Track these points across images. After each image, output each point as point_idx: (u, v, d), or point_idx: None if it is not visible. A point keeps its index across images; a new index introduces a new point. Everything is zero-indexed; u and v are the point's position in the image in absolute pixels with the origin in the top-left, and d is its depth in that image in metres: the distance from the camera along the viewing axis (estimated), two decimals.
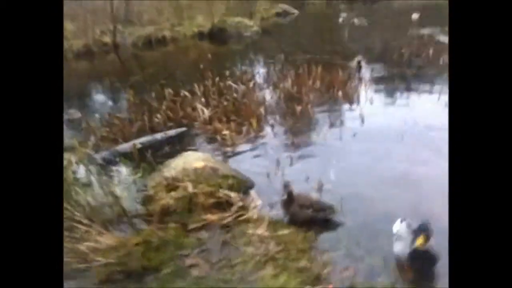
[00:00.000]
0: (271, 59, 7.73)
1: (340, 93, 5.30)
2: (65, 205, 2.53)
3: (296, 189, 2.89)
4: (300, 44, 9.63)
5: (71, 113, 4.68)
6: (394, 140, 3.99)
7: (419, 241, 2.06)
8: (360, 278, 2.22)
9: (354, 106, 5.09)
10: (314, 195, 3.04)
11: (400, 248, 2.22)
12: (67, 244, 2.27)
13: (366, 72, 6.38)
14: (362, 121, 4.52)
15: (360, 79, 6.00)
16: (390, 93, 5.48)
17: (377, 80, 6.12)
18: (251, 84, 5.53)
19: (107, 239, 2.30)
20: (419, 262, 2.14)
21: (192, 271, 2.27)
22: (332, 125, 4.58)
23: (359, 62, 6.53)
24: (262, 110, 4.90)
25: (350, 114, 4.86)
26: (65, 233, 2.37)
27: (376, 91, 5.65)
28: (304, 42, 9.96)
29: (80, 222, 2.48)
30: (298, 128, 4.55)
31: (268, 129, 4.56)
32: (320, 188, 3.22)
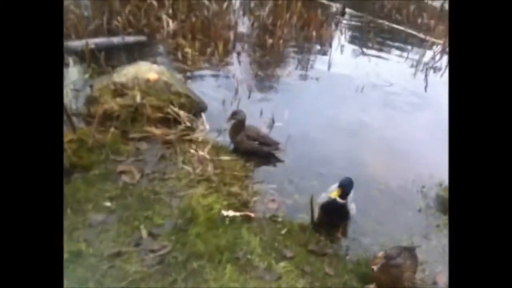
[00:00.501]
0: None
1: (314, 33, 5.15)
2: None
3: (248, 121, 2.89)
4: None
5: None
6: (354, 90, 4.02)
7: (334, 193, 2.09)
8: (283, 212, 2.33)
9: (325, 49, 5.00)
10: (264, 130, 3.07)
11: (322, 197, 2.28)
12: None
13: (343, 18, 6.22)
14: (329, 66, 4.48)
15: (336, 24, 5.84)
16: (362, 44, 5.41)
17: (352, 28, 5.99)
18: (225, 5, 5.20)
19: None
20: (329, 212, 2.19)
21: (123, 177, 2.27)
22: (299, 65, 4.51)
23: (343, 7, 6.31)
24: (231, 35, 4.68)
25: (319, 57, 4.79)
26: None
27: (350, 39, 5.56)
28: None
29: None
30: (265, 61, 4.43)
31: (233, 56, 4.41)
32: (271, 125, 3.24)
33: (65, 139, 2.32)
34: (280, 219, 2.27)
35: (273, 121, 3.27)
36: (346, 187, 2.07)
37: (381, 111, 3.76)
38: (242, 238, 2.02)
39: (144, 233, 1.93)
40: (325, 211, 2.21)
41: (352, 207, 2.23)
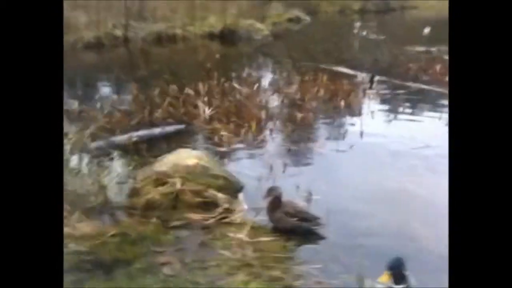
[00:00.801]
0: (278, 64, 7.74)
1: (342, 103, 5.27)
2: None
3: (285, 196, 2.87)
4: (309, 51, 9.62)
5: (70, 103, 4.74)
6: (390, 157, 3.93)
7: (383, 278, 1.88)
8: None
9: (355, 118, 5.05)
10: (302, 204, 3.02)
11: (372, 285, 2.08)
12: None
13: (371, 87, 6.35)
14: (361, 134, 4.47)
15: (364, 92, 5.96)
16: (393, 109, 5.42)
17: (381, 94, 6.07)
18: (255, 87, 5.53)
19: (84, 227, 2.31)
20: None
21: (164, 269, 2.26)
22: (331, 135, 4.55)
23: (372, 77, 6.42)
24: (263, 114, 4.89)
25: (350, 127, 4.82)
26: None
27: (379, 105, 5.61)
28: (313, 49, 9.94)
29: None
30: (297, 136, 4.53)
31: (266, 134, 4.55)
32: (309, 198, 3.19)
33: (108, 233, 2.39)
34: None
35: (310, 195, 3.22)
36: (396, 269, 1.87)
37: (423, 176, 3.61)
38: None
39: None
40: None
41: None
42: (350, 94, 5.57)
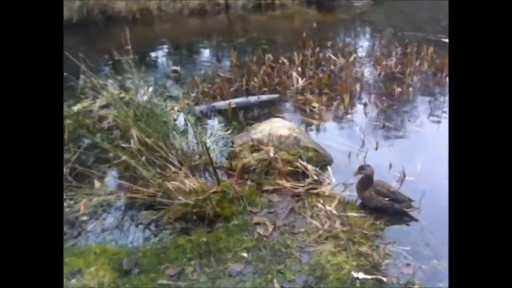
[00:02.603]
0: (377, 33, 7.25)
1: (447, 79, 4.81)
2: (162, 146, 2.91)
3: (376, 175, 2.83)
4: (412, 19, 8.77)
5: (176, 69, 5.15)
6: None
7: None
8: (419, 279, 2.15)
9: None
10: (394, 185, 2.95)
11: None
12: (158, 180, 2.65)
13: None
14: None
15: None
16: None
17: None
18: (351, 58, 5.33)
19: (191, 183, 2.61)
20: None
21: (258, 228, 2.47)
22: (431, 114, 4.23)
23: None
24: (357, 86, 4.74)
25: None
26: (158, 170, 2.76)
27: None
28: (417, 17, 9.03)
29: (171, 163, 2.85)
30: (393, 112, 4.32)
31: (360, 108, 4.43)
32: (401, 179, 3.10)
33: (210, 191, 2.67)
34: (416, 287, 2.10)
35: (404, 175, 3.11)
36: None
37: None
38: None
39: (277, 287, 2.04)
40: None
41: None
42: None
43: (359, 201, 2.87)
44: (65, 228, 2.41)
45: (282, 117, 4.02)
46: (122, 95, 3.46)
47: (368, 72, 5.34)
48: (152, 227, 2.52)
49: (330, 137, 3.82)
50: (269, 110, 4.29)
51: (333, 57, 5.33)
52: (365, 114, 4.30)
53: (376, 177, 2.82)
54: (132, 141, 2.80)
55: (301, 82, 4.74)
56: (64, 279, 2.05)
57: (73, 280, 2.05)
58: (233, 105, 4.06)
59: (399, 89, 4.62)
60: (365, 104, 4.47)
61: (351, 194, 2.93)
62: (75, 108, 3.75)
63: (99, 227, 2.52)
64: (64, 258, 2.19)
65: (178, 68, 5.19)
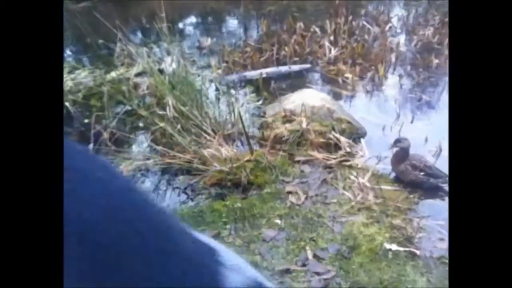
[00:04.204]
0: (414, 1, 6.86)
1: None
2: (196, 114, 2.96)
3: (412, 149, 2.78)
4: None
5: (202, 41, 5.09)
6: None
7: None
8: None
9: None
10: (430, 159, 2.89)
11: None
12: (193, 147, 2.70)
13: None
14: None
15: None
16: None
17: None
18: (386, 27, 5.10)
19: (225, 151, 2.66)
20: None
21: (290, 197, 2.51)
22: None
23: None
24: (392, 57, 4.57)
25: None
26: (193, 137, 2.81)
27: None
28: None
29: (205, 131, 2.89)
30: (430, 84, 4.16)
31: (395, 79, 4.28)
32: (438, 153, 3.03)
33: (244, 159, 2.71)
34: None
35: (440, 150, 3.04)
36: None
37: None
38: (407, 275, 1.95)
39: (309, 254, 2.09)
40: None
41: None
42: None
43: (393, 174, 2.84)
44: None
45: (314, 88, 3.96)
46: (157, 63, 3.49)
47: (403, 42, 5.11)
48: (188, 191, 2.60)
49: (364, 109, 3.74)
50: (300, 80, 4.22)
51: (368, 26, 5.12)
52: (400, 86, 4.16)
53: (411, 151, 2.77)
54: (167, 108, 2.85)
55: (333, 51, 4.61)
56: None
57: None
58: (264, 75, 4.02)
59: (437, 61, 4.42)
60: (400, 76, 4.32)
61: (385, 167, 2.90)
62: (113, 74, 3.82)
63: None
64: None
65: (208, 37, 5.15)
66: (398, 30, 5.51)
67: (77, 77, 3.92)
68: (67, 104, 3.32)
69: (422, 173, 2.68)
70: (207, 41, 5.07)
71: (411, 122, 3.47)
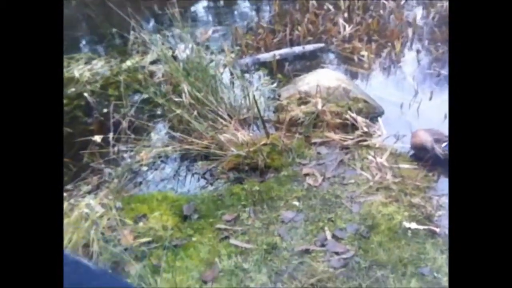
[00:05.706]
0: None
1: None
2: (212, 100, 2.98)
3: (431, 126, 2.74)
4: None
5: (218, 22, 5.06)
6: None
7: None
8: None
9: None
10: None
11: None
12: (211, 133, 2.74)
13: None
14: None
15: None
16: None
17: None
18: (402, 1, 4.93)
19: (242, 135, 2.68)
20: None
21: (307, 179, 2.52)
22: None
23: None
24: (409, 32, 4.43)
25: None
26: (210, 123, 2.84)
27: None
28: None
29: (221, 117, 2.92)
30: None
31: (412, 55, 4.17)
32: None
33: (260, 143, 2.73)
34: None
35: None
36: None
37: None
38: (426, 253, 1.96)
39: (328, 234, 2.12)
40: None
41: None
42: None
43: (412, 152, 2.81)
44: (128, 177, 2.61)
45: (329, 68, 3.90)
46: (171, 50, 3.51)
47: (420, 16, 4.94)
48: (207, 176, 2.66)
49: (381, 87, 3.68)
50: (314, 60, 4.16)
51: (383, 0, 4.96)
52: (418, 61, 4.06)
53: (431, 129, 2.72)
54: (183, 95, 2.87)
55: (348, 29, 4.50)
56: (132, 223, 2.26)
57: (140, 224, 2.25)
58: (278, 57, 3.98)
59: None
60: (418, 51, 4.20)
61: (403, 146, 2.87)
62: (128, 63, 3.86)
63: (158, 176, 2.70)
64: (130, 204, 2.40)
65: (219, 21, 5.11)
66: (414, 4, 5.32)
67: (94, 67, 3.99)
68: (86, 94, 3.39)
69: (442, 151, 2.63)
70: (219, 25, 5.04)
71: (430, 99, 3.39)
